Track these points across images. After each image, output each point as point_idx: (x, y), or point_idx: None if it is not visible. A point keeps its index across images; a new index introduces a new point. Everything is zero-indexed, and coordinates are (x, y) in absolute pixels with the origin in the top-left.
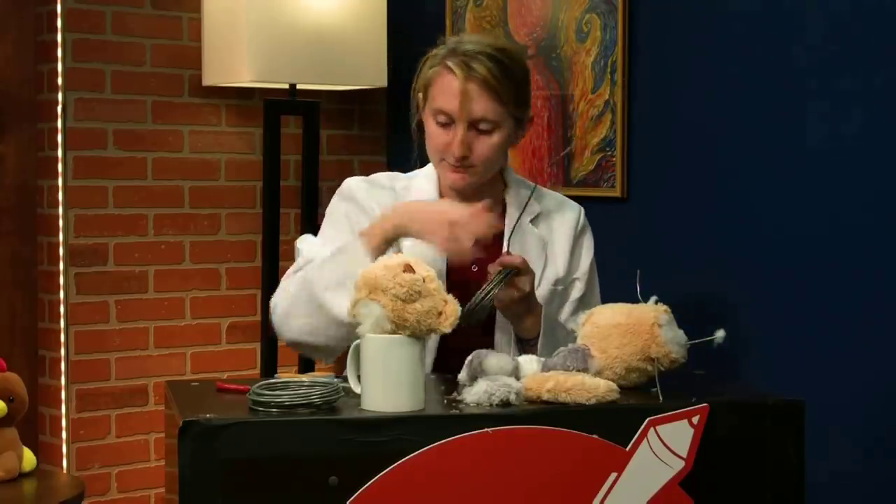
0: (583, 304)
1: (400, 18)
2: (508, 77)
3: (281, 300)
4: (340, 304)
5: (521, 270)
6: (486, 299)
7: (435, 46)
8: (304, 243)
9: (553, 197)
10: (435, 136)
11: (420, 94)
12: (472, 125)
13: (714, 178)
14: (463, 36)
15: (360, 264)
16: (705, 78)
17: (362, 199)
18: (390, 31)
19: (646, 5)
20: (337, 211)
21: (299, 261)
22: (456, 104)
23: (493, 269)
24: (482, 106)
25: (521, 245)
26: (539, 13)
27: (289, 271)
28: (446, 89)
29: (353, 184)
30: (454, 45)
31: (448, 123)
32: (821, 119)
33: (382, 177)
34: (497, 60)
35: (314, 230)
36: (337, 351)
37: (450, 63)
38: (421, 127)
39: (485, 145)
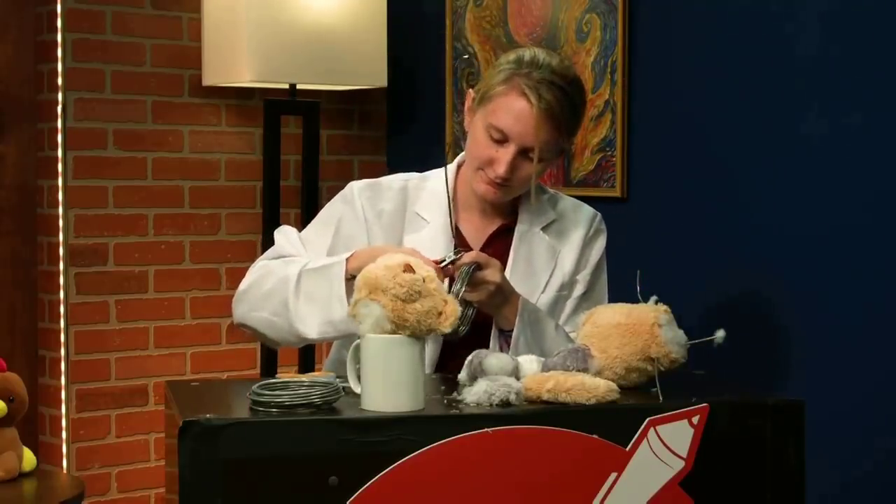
0: (584, 301)
1: (400, 18)
2: (573, 112)
3: (247, 284)
4: (304, 319)
5: (480, 265)
6: (463, 303)
7: (503, 52)
8: (281, 234)
9: (569, 202)
10: (483, 147)
11: (477, 97)
12: (524, 151)
13: (714, 178)
14: (537, 53)
15: (335, 289)
16: (705, 78)
17: (359, 206)
18: (390, 31)
19: (646, 5)
20: (332, 213)
21: (270, 251)
22: (518, 129)
23: (456, 273)
24: (543, 138)
25: (528, 253)
26: (539, 13)
27: (260, 258)
28: (512, 110)
29: (354, 188)
30: (529, 64)
31: (501, 141)
32: (821, 119)
33: (394, 178)
34: (567, 93)
35: None
36: (281, 346)
37: (523, 86)
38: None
39: (528, 171)
